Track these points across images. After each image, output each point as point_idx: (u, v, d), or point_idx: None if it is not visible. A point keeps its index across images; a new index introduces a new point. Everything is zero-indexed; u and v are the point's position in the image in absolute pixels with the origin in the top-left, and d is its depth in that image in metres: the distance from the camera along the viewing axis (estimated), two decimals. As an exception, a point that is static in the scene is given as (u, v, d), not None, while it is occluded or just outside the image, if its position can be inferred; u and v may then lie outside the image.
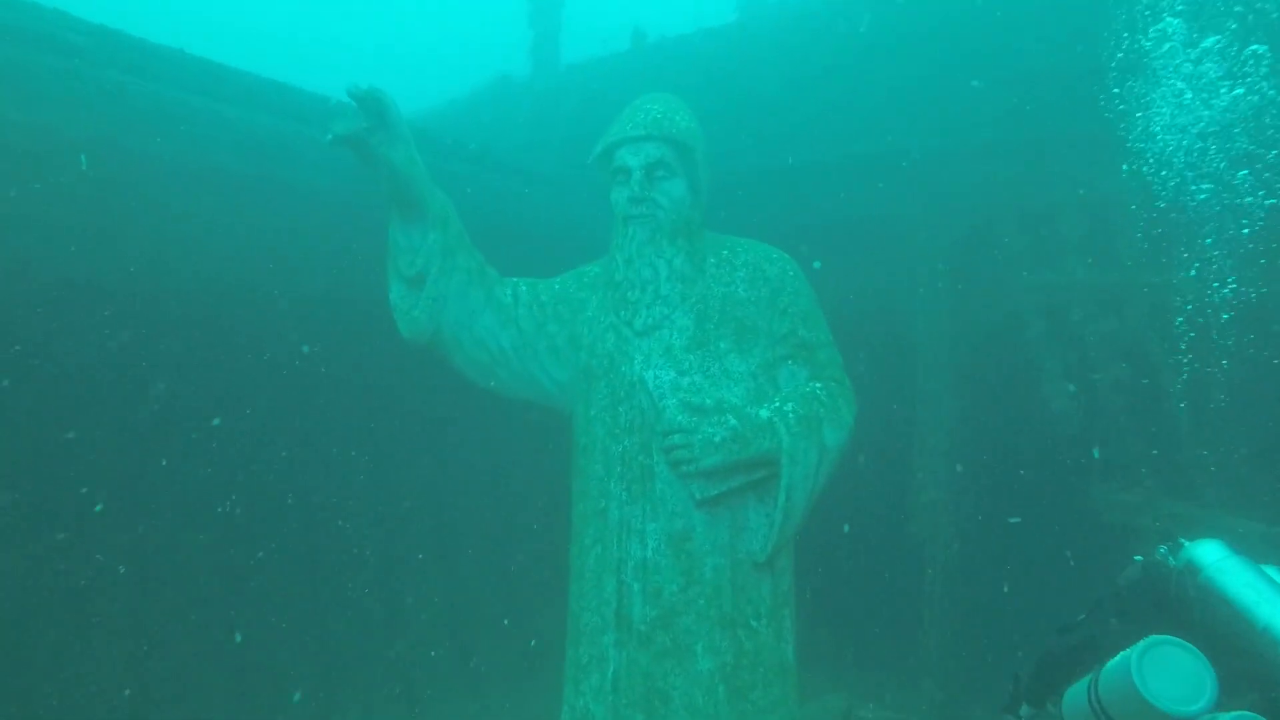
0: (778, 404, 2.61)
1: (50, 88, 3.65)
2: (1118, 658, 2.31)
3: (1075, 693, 2.53)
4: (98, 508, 4.24)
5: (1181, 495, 4.64)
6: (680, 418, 2.52)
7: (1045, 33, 5.23)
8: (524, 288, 2.99)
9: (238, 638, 4.88)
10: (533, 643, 5.93)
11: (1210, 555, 2.58)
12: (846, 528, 4.88)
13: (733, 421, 2.52)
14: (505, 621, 5.99)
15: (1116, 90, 4.60)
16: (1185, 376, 4.76)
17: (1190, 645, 2.26)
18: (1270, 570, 2.51)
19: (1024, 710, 2.86)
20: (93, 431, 4.29)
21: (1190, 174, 4.54)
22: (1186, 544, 2.72)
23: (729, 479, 2.53)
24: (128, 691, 4.38)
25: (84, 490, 4.24)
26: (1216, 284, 4.49)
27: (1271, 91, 4.26)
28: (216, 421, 4.81)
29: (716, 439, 2.49)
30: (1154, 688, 2.18)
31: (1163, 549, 2.79)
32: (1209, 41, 4.46)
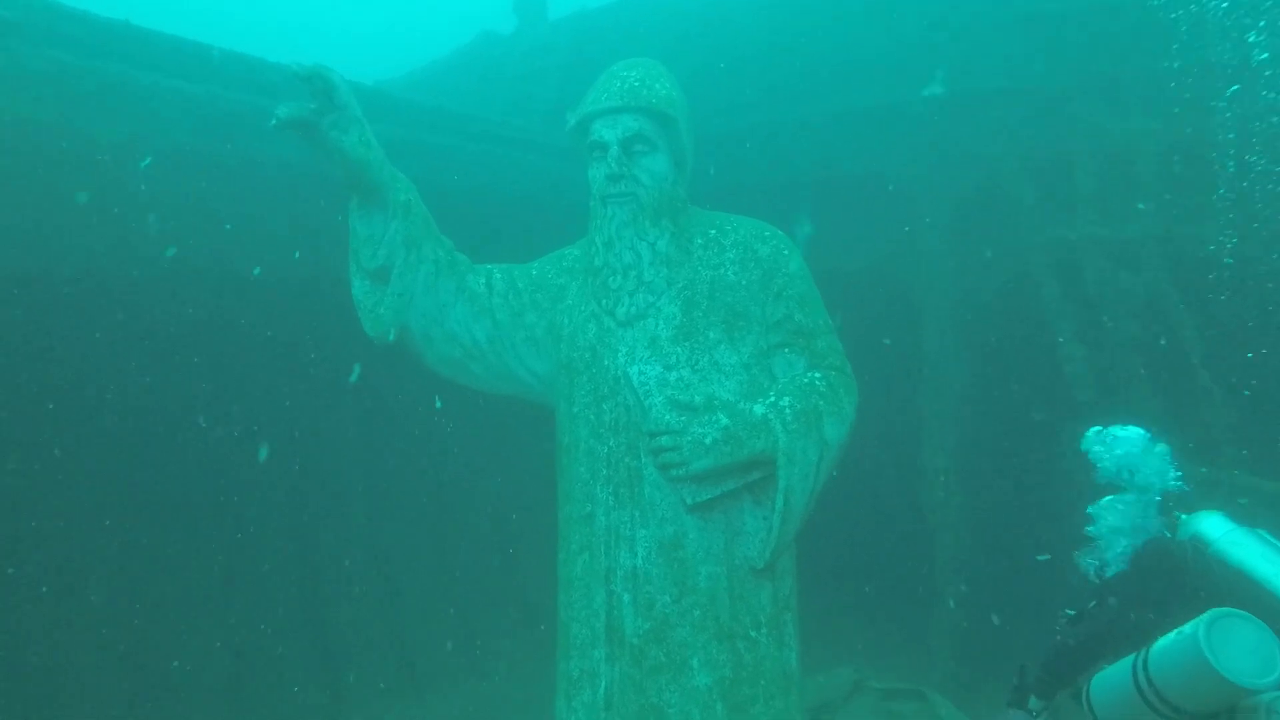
0: (773, 398, 2.41)
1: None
2: (1170, 636, 2.24)
3: (1110, 679, 2.41)
4: (88, 501, 4.15)
5: (1200, 457, 4.47)
6: (668, 417, 2.33)
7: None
8: (498, 275, 2.78)
9: (239, 629, 4.82)
10: (541, 627, 5.86)
11: (1216, 528, 2.51)
12: (853, 499, 4.73)
13: (724, 420, 2.33)
14: (509, 603, 5.91)
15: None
16: (1204, 333, 4.55)
17: (1252, 617, 2.18)
18: (1263, 534, 2.45)
19: (1033, 703, 2.76)
20: (72, 426, 4.16)
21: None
22: (1184, 517, 2.62)
23: (722, 482, 2.35)
24: (125, 683, 4.33)
25: (72, 484, 4.13)
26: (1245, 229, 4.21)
27: None
28: (199, 412, 4.67)
29: (707, 440, 2.30)
30: (1225, 661, 2.09)
31: (1158, 522, 2.67)
32: None
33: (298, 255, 4.73)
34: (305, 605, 5.25)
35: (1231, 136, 4.21)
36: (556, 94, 6.70)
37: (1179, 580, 2.51)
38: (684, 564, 2.36)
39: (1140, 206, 4.70)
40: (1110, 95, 4.80)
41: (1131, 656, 2.33)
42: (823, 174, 5.61)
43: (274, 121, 2.27)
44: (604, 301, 2.57)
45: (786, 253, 2.62)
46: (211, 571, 4.77)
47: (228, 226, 4.48)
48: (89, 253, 3.94)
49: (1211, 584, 2.43)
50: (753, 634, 2.36)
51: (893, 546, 5.49)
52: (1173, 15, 4.57)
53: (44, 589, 4.06)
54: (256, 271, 4.71)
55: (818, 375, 2.52)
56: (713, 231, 2.64)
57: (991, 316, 5.26)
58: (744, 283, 2.55)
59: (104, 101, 3.85)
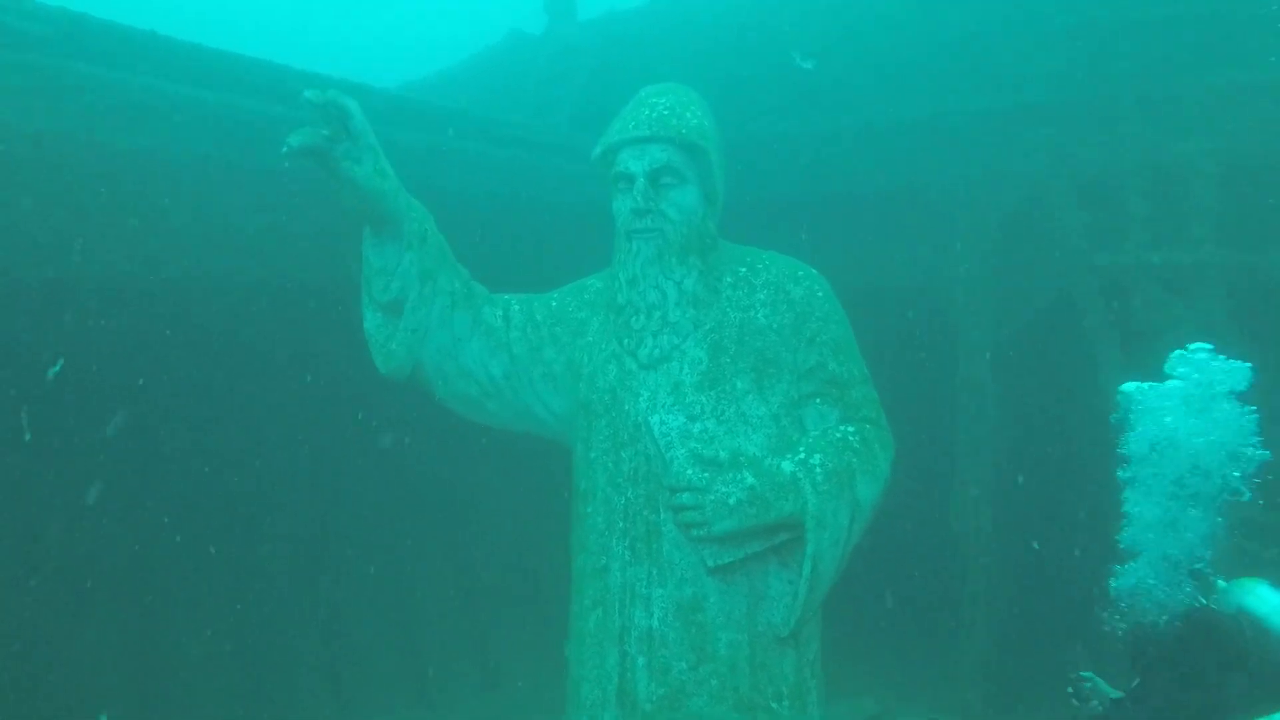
0: (803, 455, 2.28)
1: (5, 82, 3.36)
2: None
3: None
4: (98, 503, 4.14)
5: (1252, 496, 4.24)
6: (690, 472, 2.20)
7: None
8: (516, 307, 2.67)
9: (248, 634, 4.81)
10: (553, 638, 5.79)
11: (1265, 599, 2.33)
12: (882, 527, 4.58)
13: (750, 480, 2.20)
14: (521, 614, 5.85)
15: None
16: (1261, 367, 4.29)
17: None
18: None
19: None
20: (89, 431, 4.16)
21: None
22: (1223, 585, 2.43)
23: (746, 544, 2.23)
24: (133, 686, 4.34)
25: (82, 487, 4.13)
26: None
27: None
28: (213, 419, 4.65)
29: (731, 500, 2.17)
30: None
31: (1188, 588, 2.49)
32: None
33: (318, 265, 4.67)
34: (316, 612, 5.24)
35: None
36: (584, 96, 6.57)
37: (1234, 659, 2.34)
38: (703, 629, 2.24)
39: (1196, 231, 4.46)
40: (1166, 112, 4.54)
41: None
42: (856, 188, 5.41)
43: (285, 149, 2.20)
44: (626, 342, 2.45)
45: (821, 295, 2.48)
46: (222, 577, 4.76)
47: (248, 237, 4.43)
48: (107, 264, 3.91)
49: (1275, 664, 2.25)
50: (774, 706, 2.23)
51: (922, 576, 5.32)
52: (1239, 26, 4.31)
53: (51, 592, 4.06)
54: (275, 281, 4.66)
55: (851, 429, 2.38)
56: (743, 270, 2.50)
57: (1031, 342, 5.05)
58: (775, 326, 2.41)
59: (124, 112, 3.80)
